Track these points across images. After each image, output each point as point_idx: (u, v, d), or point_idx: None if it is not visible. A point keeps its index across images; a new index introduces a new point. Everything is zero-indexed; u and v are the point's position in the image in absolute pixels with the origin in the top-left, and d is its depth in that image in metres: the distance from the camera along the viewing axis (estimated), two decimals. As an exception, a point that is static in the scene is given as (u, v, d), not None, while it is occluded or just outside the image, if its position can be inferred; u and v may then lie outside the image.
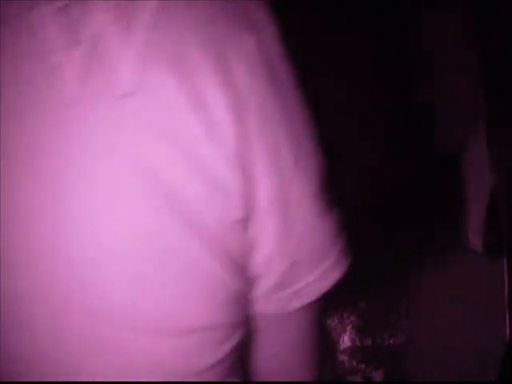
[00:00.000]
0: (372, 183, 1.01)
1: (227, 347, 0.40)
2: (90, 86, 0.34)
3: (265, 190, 0.37)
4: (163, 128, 0.35)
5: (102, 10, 0.33)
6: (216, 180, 0.35)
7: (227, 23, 0.35)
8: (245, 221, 0.37)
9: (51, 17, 0.34)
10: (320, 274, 0.43)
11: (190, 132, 0.35)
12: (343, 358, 0.98)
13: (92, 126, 0.35)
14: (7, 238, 0.37)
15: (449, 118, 1.15)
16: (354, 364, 0.97)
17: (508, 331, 0.89)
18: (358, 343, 0.99)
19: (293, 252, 0.40)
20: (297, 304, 0.43)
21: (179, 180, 0.35)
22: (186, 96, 0.34)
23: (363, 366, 0.97)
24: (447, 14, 0.94)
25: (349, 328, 1.01)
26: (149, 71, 0.34)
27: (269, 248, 0.39)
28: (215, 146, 0.35)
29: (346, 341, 1.00)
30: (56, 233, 0.37)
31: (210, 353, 0.40)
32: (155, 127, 0.34)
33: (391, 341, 0.98)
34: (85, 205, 0.36)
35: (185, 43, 0.34)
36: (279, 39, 0.37)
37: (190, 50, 0.34)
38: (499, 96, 0.89)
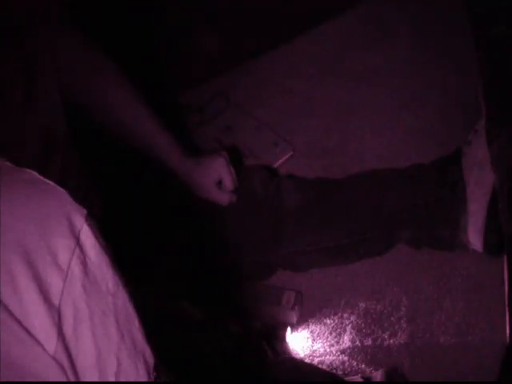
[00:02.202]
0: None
1: None
2: None
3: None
4: None
5: None
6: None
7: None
8: None
9: None
10: None
11: None
12: (343, 358, 0.98)
13: None
14: None
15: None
16: (354, 364, 0.97)
17: (508, 331, 0.89)
18: (358, 343, 0.99)
19: None
20: None
21: None
22: None
23: (363, 366, 0.96)
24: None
25: (349, 328, 1.01)
26: None
27: None
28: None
29: (345, 341, 1.00)
30: None
31: None
32: None
33: (391, 341, 0.98)
34: None
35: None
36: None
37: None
38: (499, 95, 0.89)
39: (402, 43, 1.40)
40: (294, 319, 1.02)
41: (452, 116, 1.23)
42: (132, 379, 0.47)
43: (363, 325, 1.01)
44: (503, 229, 0.85)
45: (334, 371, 0.96)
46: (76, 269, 0.44)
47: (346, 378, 0.94)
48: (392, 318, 1.00)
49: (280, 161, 1.27)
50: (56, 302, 0.42)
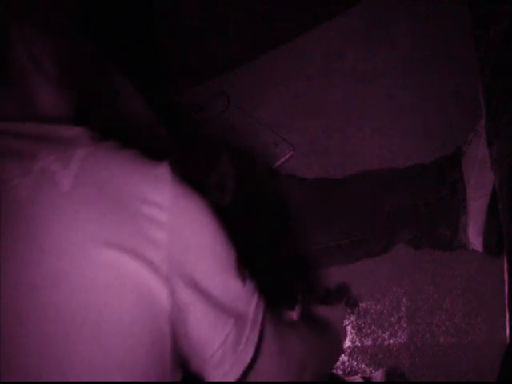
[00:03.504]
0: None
1: None
2: (38, 195, 0.48)
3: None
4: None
5: (46, 154, 0.49)
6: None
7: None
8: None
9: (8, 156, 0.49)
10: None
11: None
12: (343, 358, 0.98)
13: (42, 223, 0.47)
14: None
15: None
16: (354, 364, 0.97)
17: (508, 331, 0.89)
18: (358, 343, 0.99)
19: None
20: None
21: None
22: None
23: (363, 366, 0.96)
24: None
25: (349, 328, 1.01)
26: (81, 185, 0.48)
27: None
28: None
29: (346, 341, 1.00)
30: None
31: None
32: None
33: (391, 341, 0.98)
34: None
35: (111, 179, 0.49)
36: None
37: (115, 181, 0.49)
38: (499, 95, 0.89)
39: (401, 43, 1.40)
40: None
41: (452, 116, 1.23)
42: None
43: (363, 325, 1.01)
44: (503, 229, 0.85)
45: (334, 371, 0.96)
46: None
47: (346, 378, 0.94)
48: (392, 318, 1.00)
49: (280, 161, 1.27)
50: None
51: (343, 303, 1.04)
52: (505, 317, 0.89)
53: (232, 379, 0.51)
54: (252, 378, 0.53)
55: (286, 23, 1.44)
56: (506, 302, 0.89)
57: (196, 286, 0.49)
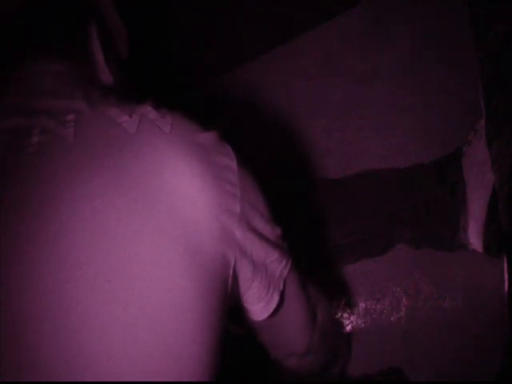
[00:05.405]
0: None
1: None
2: (145, 131, 0.56)
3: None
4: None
5: (147, 105, 0.59)
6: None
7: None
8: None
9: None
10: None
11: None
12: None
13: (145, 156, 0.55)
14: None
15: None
16: (354, 363, 0.97)
17: (508, 331, 0.89)
18: (357, 343, 0.99)
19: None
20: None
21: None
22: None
23: (363, 365, 0.97)
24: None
25: (349, 328, 1.01)
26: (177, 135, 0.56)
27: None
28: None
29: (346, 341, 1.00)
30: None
31: None
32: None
33: (391, 341, 0.98)
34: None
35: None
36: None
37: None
38: (499, 95, 0.89)
39: (402, 43, 1.40)
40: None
41: (452, 116, 1.23)
42: None
43: (363, 325, 1.01)
44: (503, 229, 0.85)
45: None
46: None
47: (347, 378, 0.94)
48: (392, 318, 1.00)
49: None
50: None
51: (343, 303, 1.04)
52: (505, 317, 0.89)
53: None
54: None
55: (286, 23, 1.45)
56: (506, 301, 0.89)
57: (254, 229, 0.59)
